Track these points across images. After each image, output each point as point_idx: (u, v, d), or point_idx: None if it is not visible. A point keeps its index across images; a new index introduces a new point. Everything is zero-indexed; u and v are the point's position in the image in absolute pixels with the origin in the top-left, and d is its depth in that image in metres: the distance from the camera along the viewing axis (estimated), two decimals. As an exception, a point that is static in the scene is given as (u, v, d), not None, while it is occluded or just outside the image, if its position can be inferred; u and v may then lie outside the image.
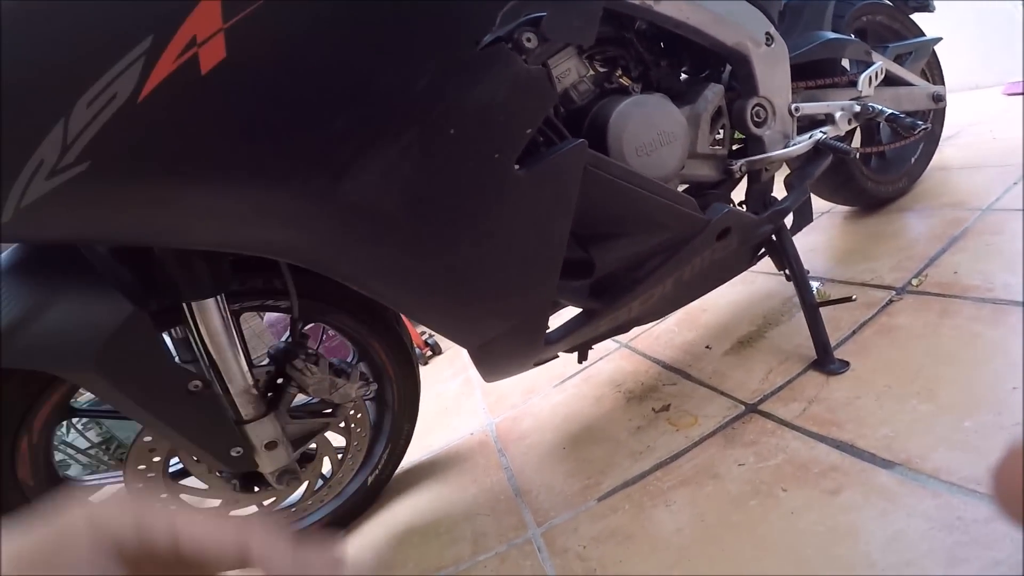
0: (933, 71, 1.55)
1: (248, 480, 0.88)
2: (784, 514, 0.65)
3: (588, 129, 0.75)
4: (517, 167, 0.64)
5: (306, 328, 0.90)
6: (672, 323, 1.28)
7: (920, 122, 1.07)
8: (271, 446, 0.81)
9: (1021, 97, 2.47)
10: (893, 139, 1.40)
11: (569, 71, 0.75)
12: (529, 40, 0.65)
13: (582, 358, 1.00)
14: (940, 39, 1.46)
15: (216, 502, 0.87)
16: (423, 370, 1.53)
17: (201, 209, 0.54)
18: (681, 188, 0.90)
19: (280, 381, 0.87)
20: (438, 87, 0.57)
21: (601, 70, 0.83)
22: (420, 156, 0.59)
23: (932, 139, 1.59)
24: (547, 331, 0.82)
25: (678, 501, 0.76)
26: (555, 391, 1.23)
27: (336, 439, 0.96)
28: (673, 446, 0.88)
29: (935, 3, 1.41)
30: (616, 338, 1.12)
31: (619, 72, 0.83)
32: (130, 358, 0.64)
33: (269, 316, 2.14)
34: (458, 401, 1.44)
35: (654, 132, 0.77)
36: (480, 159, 0.62)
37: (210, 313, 0.72)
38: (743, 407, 0.89)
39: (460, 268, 0.69)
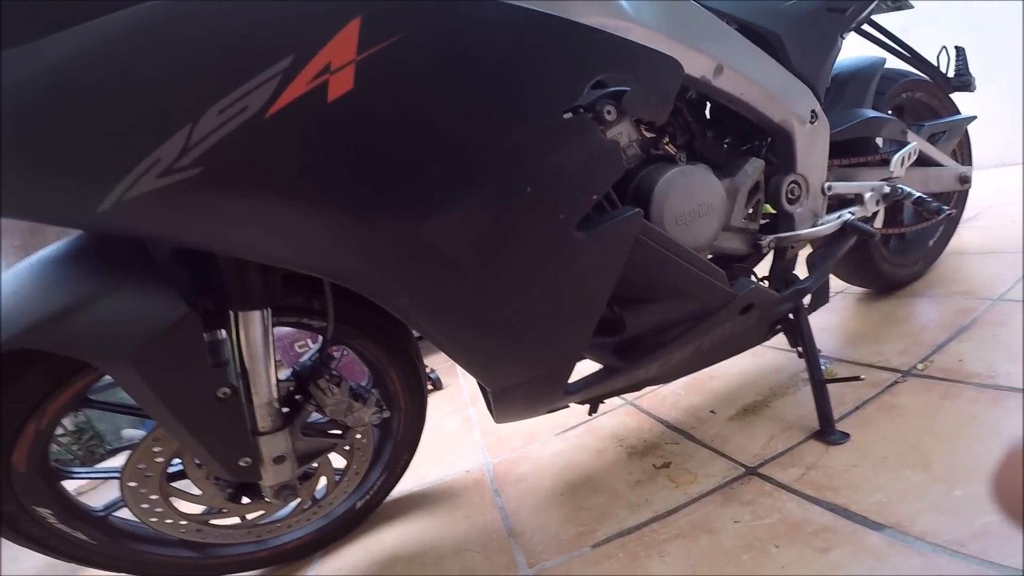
0: (963, 150, 1.69)
1: (240, 491, 0.91)
2: (775, 568, 0.75)
3: (633, 193, 0.84)
4: (576, 229, 0.71)
5: (332, 350, 0.95)
6: (679, 386, 1.39)
7: (945, 207, 1.18)
8: (279, 460, 0.85)
9: None
10: (915, 220, 1.51)
11: (621, 134, 0.83)
12: (609, 113, 0.74)
13: (593, 410, 1.08)
14: (974, 118, 1.57)
15: (198, 508, 0.91)
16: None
17: (291, 228, 0.58)
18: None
19: (298, 397, 0.91)
20: (524, 148, 0.65)
21: (649, 135, 0.91)
22: (497, 209, 0.66)
23: (952, 222, 1.70)
24: (568, 381, 0.88)
25: (672, 553, 0.83)
26: (557, 439, 1.32)
27: (336, 460, 1.01)
28: (671, 501, 0.95)
29: (975, 83, 1.50)
30: (622, 395, 1.17)
31: (666, 139, 0.92)
32: (171, 358, 0.67)
33: (278, 331, 2.20)
34: (456, 437, 1.51)
35: (694, 203, 0.85)
36: (547, 218, 0.69)
37: (254, 324, 0.76)
38: (743, 469, 0.99)
39: (506, 316, 0.75)
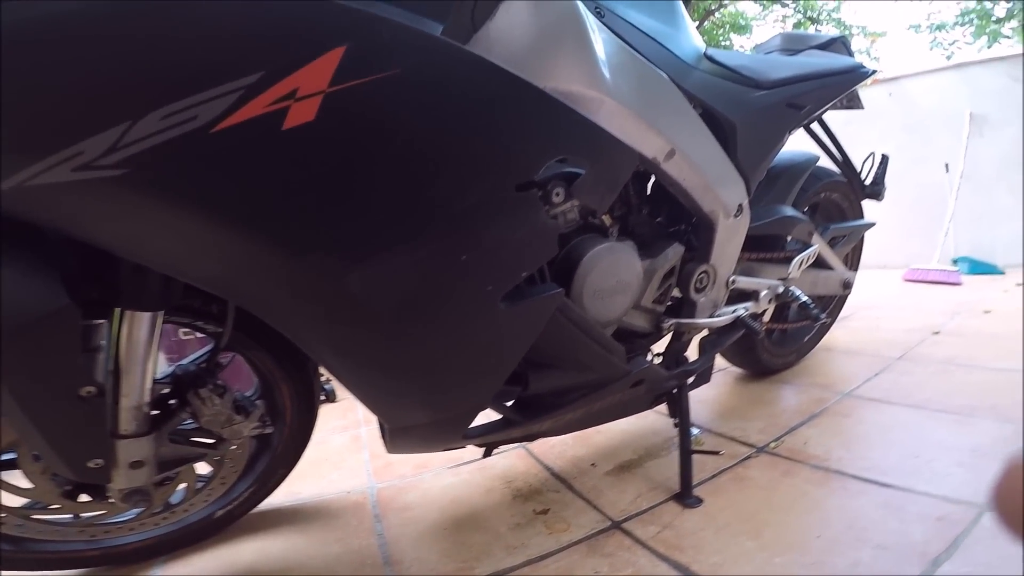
0: (854, 254, 1.93)
1: (79, 488, 0.86)
2: None
3: (562, 260, 0.89)
4: (501, 300, 0.74)
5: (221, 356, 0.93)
6: (569, 437, 1.50)
7: (823, 315, 1.38)
8: (136, 465, 0.81)
9: (918, 284, 2.97)
10: (798, 318, 1.72)
11: (564, 198, 0.87)
12: (558, 195, 0.76)
13: (488, 453, 1.15)
14: (874, 224, 1.81)
15: (17, 500, 0.86)
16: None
17: (208, 248, 0.57)
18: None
19: (172, 403, 0.88)
20: (470, 215, 0.66)
21: None
22: (428, 272, 0.67)
23: (828, 322, 1.96)
24: (468, 427, 0.93)
25: None
26: (448, 472, 1.39)
27: (203, 465, 0.99)
28: (544, 547, 1.05)
29: (885, 193, 1.69)
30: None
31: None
32: (36, 349, 0.63)
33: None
34: (341, 456, 1.52)
35: (614, 280, 0.93)
36: (476, 288, 0.72)
37: (140, 325, 0.74)
38: (609, 522, 1.11)
39: (416, 365, 0.76)
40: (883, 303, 2.73)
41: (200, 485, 1.01)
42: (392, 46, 0.54)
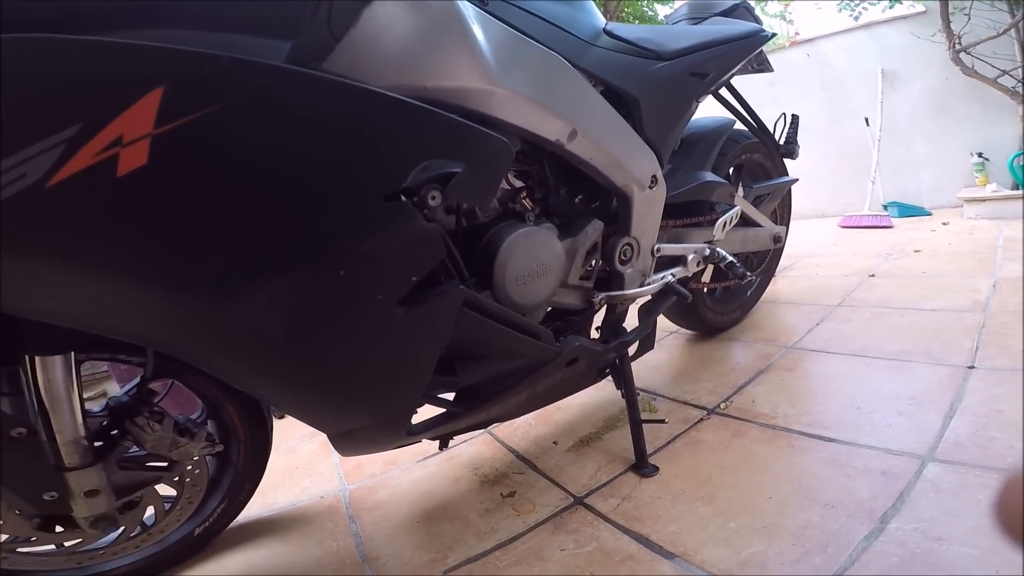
0: (783, 209, 1.95)
1: (52, 520, 0.85)
2: None
3: (481, 250, 0.87)
4: (398, 306, 0.71)
5: (154, 383, 0.91)
6: (531, 417, 1.48)
7: (749, 273, 1.37)
8: (92, 494, 0.81)
9: (853, 230, 3.10)
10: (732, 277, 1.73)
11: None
12: (433, 199, 0.72)
13: (443, 446, 1.12)
14: (796, 180, 1.83)
15: (2, 536, 0.85)
16: (277, 424, 1.56)
17: (82, 298, 0.55)
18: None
19: (115, 432, 0.87)
20: (338, 233, 0.63)
21: (514, 183, 0.97)
22: (308, 292, 0.64)
23: (767, 276, 1.98)
24: (410, 424, 0.90)
25: None
26: (417, 466, 1.36)
27: (167, 488, 0.98)
28: (512, 529, 1.04)
29: (799, 151, 1.71)
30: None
31: (524, 193, 0.97)
32: None
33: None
34: (311, 462, 1.48)
35: (534, 264, 0.90)
36: (363, 299, 0.69)
37: (54, 368, 0.72)
38: (572, 499, 1.10)
39: (326, 383, 0.75)
40: (821, 251, 2.76)
41: (168, 506, 1.00)
42: (216, 80, 0.51)
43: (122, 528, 0.94)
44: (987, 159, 3.12)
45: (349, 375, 0.74)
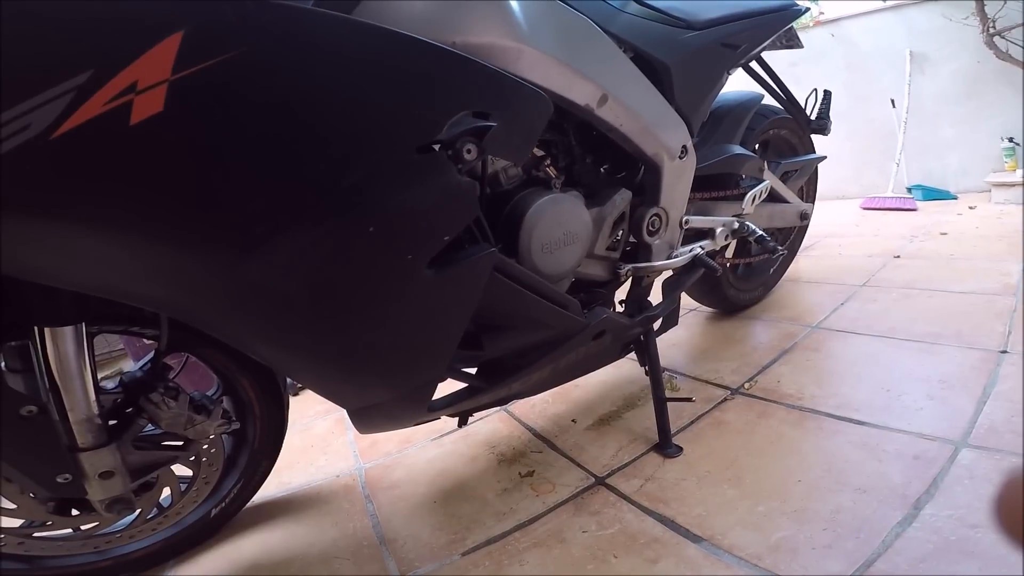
0: (810, 186, 1.92)
1: (67, 503, 0.84)
2: None
3: (506, 217, 0.84)
4: (427, 267, 0.68)
5: (169, 358, 0.89)
6: (548, 394, 1.46)
7: (780, 247, 1.35)
8: (107, 475, 0.79)
9: (876, 212, 3.04)
10: (760, 252, 1.68)
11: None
12: (469, 152, 0.68)
13: (462, 423, 1.10)
14: (824, 158, 1.80)
15: (17, 522, 0.84)
16: (293, 401, 1.55)
17: (89, 256, 0.52)
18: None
19: (129, 410, 0.84)
20: (368, 185, 0.59)
21: (537, 152, 0.94)
22: (333, 249, 0.61)
23: (791, 253, 1.95)
24: (431, 399, 0.88)
25: (530, 561, 0.89)
26: (432, 445, 1.34)
27: (183, 468, 0.96)
28: (532, 510, 1.02)
29: (831, 127, 1.69)
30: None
31: (548, 161, 0.95)
32: None
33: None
34: (326, 440, 1.47)
35: (561, 231, 0.88)
36: (392, 258, 0.65)
37: (65, 340, 0.70)
38: (593, 479, 1.07)
39: (351, 349, 0.71)
40: (844, 232, 2.69)
41: (184, 487, 0.99)
42: (239, 23, 0.48)
43: (138, 511, 0.93)
44: (1018, 144, 3.00)
45: (373, 341, 0.71)
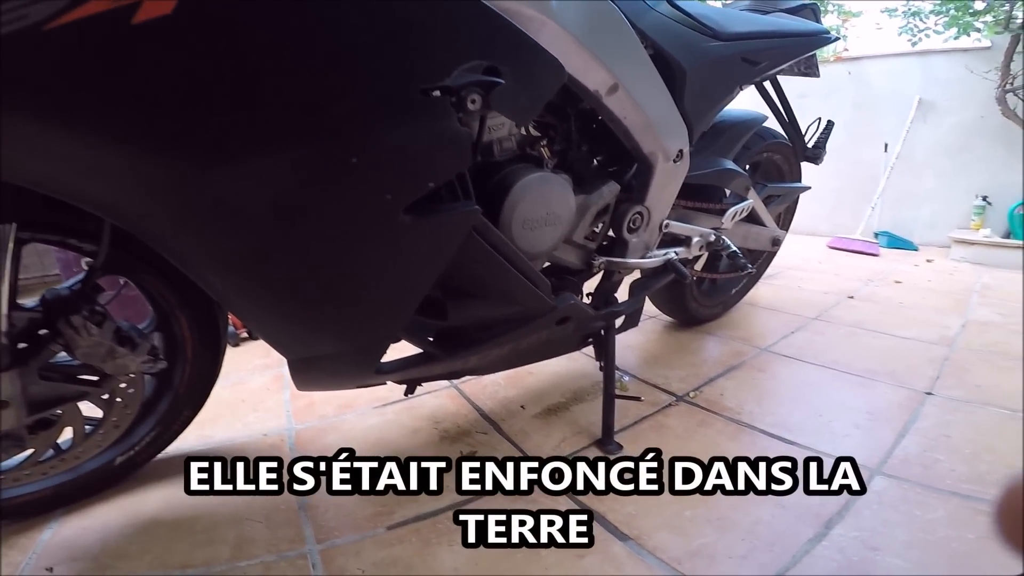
0: (787, 215, 2.00)
1: None
2: (542, 568, 0.84)
3: (494, 186, 0.85)
4: (404, 213, 0.67)
5: (103, 281, 0.83)
6: (500, 377, 1.49)
7: (750, 266, 1.41)
8: (1, 406, 0.72)
9: (840, 252, 3.15)
10: (728, 269, 1.78)
11: (503, 125, 0.84)
12: (474, 102, 0.67)
13: (409, 391, 1.09)
14: (809, 188, 1.88)
15: None
16: (231, 352, 1.50)
17: (45, 150, 0.51)
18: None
19: (43, 332, 0.78)
20: (362, 115, 0.59)
21: (533, 132, 0.95)
22: (310, 173, 0.59)
23: (754, 277, 2.04)
24: (381, 361, 0.87)
25: (458, 542, 0.89)
26: (374, 412, 1.34)
27: (92, 407, 0.89)
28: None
29: (824, 157, 1.76)
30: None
31: (544, 142, 0.96)
32: None
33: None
34: (260, 396, 1.44)
35: (544, 211, 0.90)
36: (370, 195, 0.64)
37: None
38: None
39: (308, 286, 0.69)
40: (807, 266, 2.84)
41: (90, 429, 0.90)
42: None
43: (30, 451, 0.84)
44: (990, 203, 3.19)
45: (333, 280, 0.69)
